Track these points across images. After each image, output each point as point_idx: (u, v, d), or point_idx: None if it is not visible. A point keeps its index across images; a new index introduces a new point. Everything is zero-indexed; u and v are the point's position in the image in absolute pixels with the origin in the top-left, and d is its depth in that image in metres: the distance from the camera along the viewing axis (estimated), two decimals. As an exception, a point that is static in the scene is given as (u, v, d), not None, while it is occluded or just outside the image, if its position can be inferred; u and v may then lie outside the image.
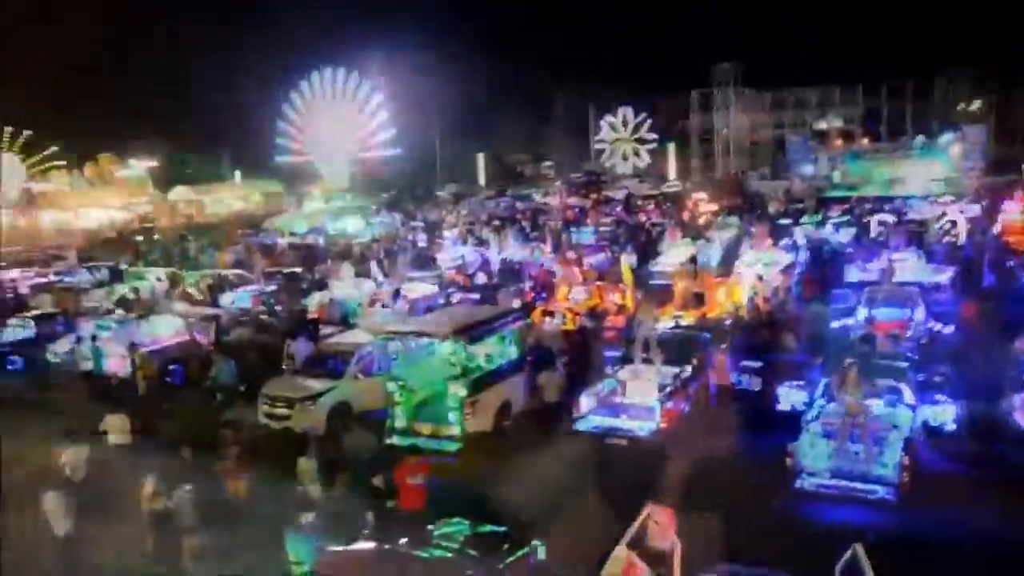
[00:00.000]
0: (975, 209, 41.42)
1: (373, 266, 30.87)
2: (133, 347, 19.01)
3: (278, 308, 25.20)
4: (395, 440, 15.03)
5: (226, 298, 27.54)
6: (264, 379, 17.33)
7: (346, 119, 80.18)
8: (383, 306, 24.04)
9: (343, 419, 16.12)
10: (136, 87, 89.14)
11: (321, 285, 28.38)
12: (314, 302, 25.32)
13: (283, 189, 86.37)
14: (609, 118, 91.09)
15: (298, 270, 33.41)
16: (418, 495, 11.07)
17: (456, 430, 14.89)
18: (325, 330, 21.82)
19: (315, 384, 16.55)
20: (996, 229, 34.46)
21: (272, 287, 28.79)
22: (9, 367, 22.47)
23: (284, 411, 16.05)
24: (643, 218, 48.16)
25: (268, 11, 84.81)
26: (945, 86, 76.92)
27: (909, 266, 24.99)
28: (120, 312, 24.82)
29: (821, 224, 37.18)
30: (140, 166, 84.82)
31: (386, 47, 74.84)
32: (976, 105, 78.01)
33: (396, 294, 24.77)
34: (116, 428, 14.51)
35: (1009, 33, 71.07)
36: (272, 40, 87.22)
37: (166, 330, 22.02)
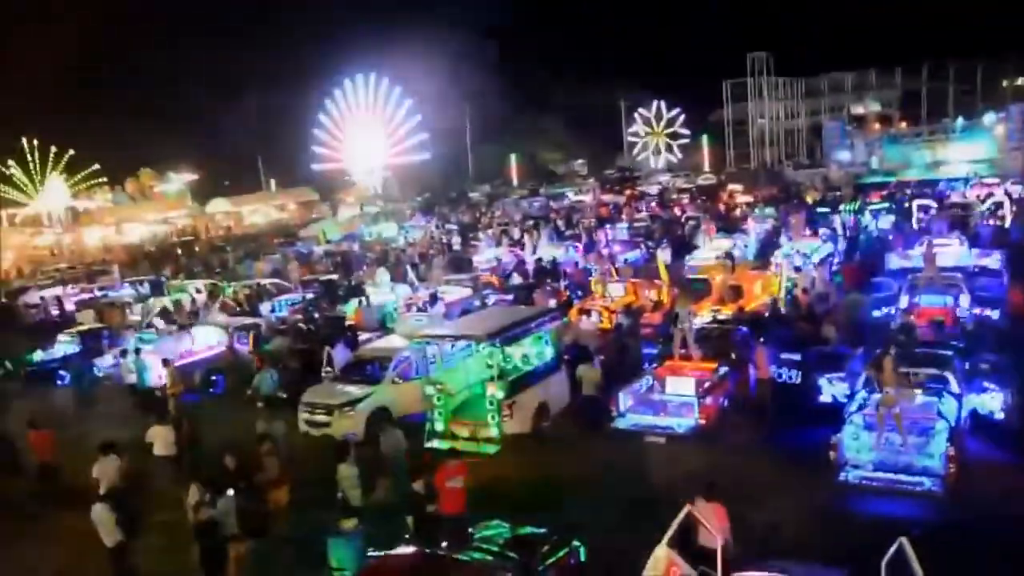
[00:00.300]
0: (1021, 190, 40.49)
1: (408, 271, 31.10)
2: (166, 362, 19.35)
3: (316, 316, 25.48)
4: (434, 444, 15.12)
5: (265, 307, 27.94)
6: (304, 387, 17.53)
7: (377, 125, 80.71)
8: (419, 310, 24.19)
9: (382, 424, 16.32)
10: (173, 102, 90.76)
11: (358, 291, 28.65)
12: (351, 308, 25.61)
13: (318, 197, 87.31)
14: (641, 112, 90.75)
15: (334, 277, 33.78)
16: (458, 498, 11.11)
17: (494, 432, 14.93)
18: (363, 336, 22.05)
19: (354, 390, 16.71)
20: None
21: (309, 295, 29.13)
22: (58, 382, 23.05)
23: (324, 418, 16.24)
24: (678, 212, 47.80)
25: (298, 21, 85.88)
26: (987, 64, 75.09)
27: (952, 251, 24.52)
28: (162, 325, 25.32)
29: (859, 212, 36.57)
30: (179, 180, 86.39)
31: (415, 51, 75.10)
32: (1020, 82, 76.09)
33: (432, 298, 24.91)
34: (160, 440, 14.81)
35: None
36: (304, 49, 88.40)
37: (206, 341, 22.45)
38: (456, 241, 43.23)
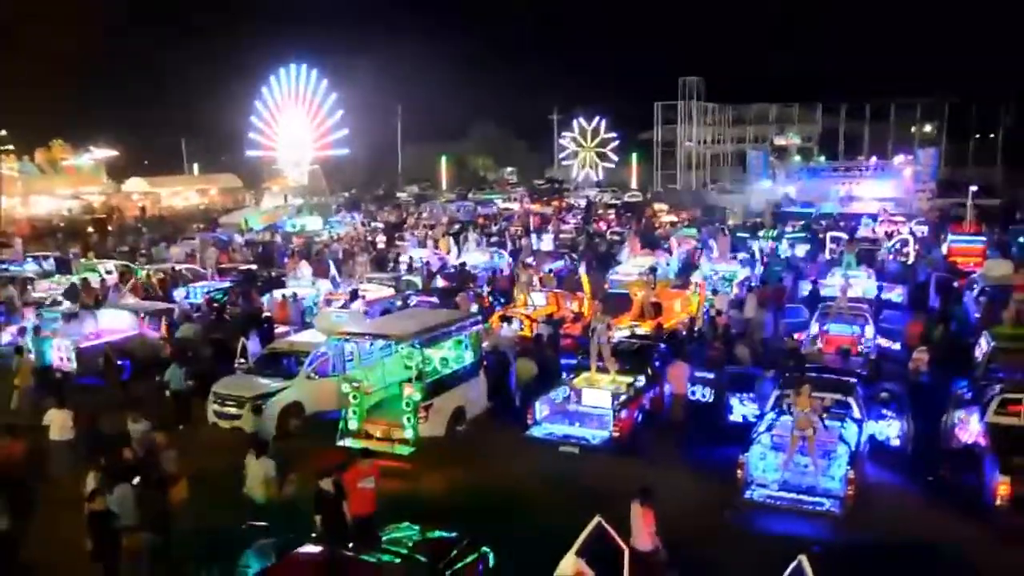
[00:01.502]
0: (924, 230, 42.46)
1: (331, 266, 30.58)
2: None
3: (232, 305, 24.80)
4: (347, 442, 14.87)
5: (179, 293, 27.05)
6: (215, 377, 17.03)
7: (307, 117, 79.37)
8: (340, 307, 23.79)
9: (294, 420, 15.98)
10: (96, 76, 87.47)
11: (277, 283, 28.03)
12: (270, 299, 25.03)
13: (241, 185, 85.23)
14: (573, 126, 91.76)
15: (254, 267, 32.98)
16: (368, 499, 10.95)
17: (409, 434, 14.78)
18: (279, 329, 21.57)
19: (267, 383, 16.32)
20: (943, 250, 35.30)
21: (226, 284, 28.34)
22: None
23: (235, 410, 15.80)
24: (603, 227, 48.44)
25: (237, 5, 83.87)
26: (900, 108, 78.74)
27: (860, 283, 25.46)
28: (67, 304, 24.25)
29: (777, 239, 37.68)
30: (94, 155, 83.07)
31: (351, 46, 74.42)
32: (928, 128, 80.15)
33: (353, 295, 24.54)
34: (57, 424, 14.16)
35: (960, 62, 73.35)
36: (240, 35, 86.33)
37: (115, 324, 21.57)
38: (381, 240, 42.77)
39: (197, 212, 70.69)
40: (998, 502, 11.76)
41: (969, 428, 14.24)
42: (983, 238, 35.81)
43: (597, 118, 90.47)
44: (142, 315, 22.09)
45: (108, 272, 29.98)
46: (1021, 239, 37.28)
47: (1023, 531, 11.42)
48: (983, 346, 18.08)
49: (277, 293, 25.67)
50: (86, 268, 30.85)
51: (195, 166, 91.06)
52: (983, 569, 10.85)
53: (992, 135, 78.07)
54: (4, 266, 33.48)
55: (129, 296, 25.80)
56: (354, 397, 15.22)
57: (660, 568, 9.54)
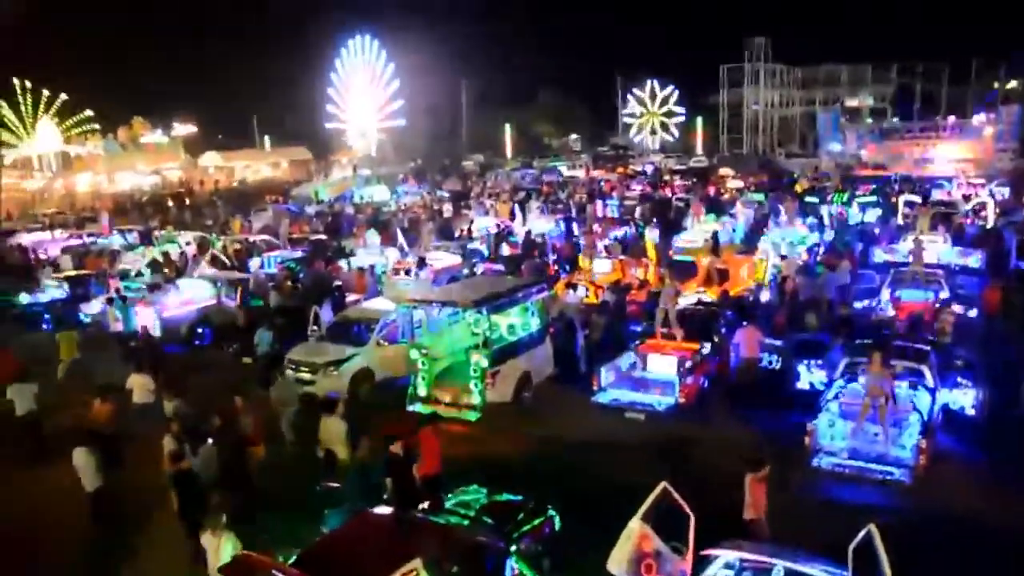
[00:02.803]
0: (1006, 191, 40.70)
1: (398, 235, 30.96)
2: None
3: (307, 274, 25.34)
4: (416, 407, 15.13)
5: (254, 263, 27.75)
6: (290, 344, 17.47)
7: (374, 89, 79.96)
8: (407, 274, 24.10)
9: (366, 384, 16.32)
10: (170, 52, 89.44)
11: (347, 253, 28.49)
12: (342, 268, 25.48)
13: (311, 157, 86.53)
14: (636, 92, 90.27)
15: (324, 237, 33.56)
16: (437, 462, 11.14)
17: (477, 399, 14.95)
18: (350, 298, 21.96)
19: (339, 350, 16.66)
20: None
21: (299, 253, 28.94)
22: (44, 326, 22.85)
23: (308, 376, 16.20)
24: (668, 193, 47.75)
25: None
26: (980, 66, 75.13)
27: (936, 248, 24.64)
28: (150, 275, 25.11)
29: (848, 203, 36.63)
30: (173, 131, 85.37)
31: (415, 19, 74.38)
32: (1012, 84, 76.24)
33: (421, 263, 24.81)
34: (140, 387, 14.75)
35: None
36: (305, 8, 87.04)
37: (194, 294, 22.29)
38: (447, 208, 43.02)
39: (270, 184, 72.12)
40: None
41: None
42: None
43: (661, 82, 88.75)
44: (219, 285, 22.77)
45: (187, 244, 30.90)
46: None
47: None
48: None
49: (348, 262, 26.11)
50: (167, 240, 31.88)
51: (267, 139, 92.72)
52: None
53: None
54: (92, 239, 34.82)
55: (207, 267, 26.57)
56: (423, 363, 15.44)
57: (758, 538, 9.49)
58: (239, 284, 23.32)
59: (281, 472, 12.21)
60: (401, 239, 30.35)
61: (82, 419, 13.19)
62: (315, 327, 18.38)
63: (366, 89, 79.90)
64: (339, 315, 18.94)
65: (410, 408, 15.18)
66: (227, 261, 28.48)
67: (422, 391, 15.47)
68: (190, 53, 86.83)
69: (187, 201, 58.10)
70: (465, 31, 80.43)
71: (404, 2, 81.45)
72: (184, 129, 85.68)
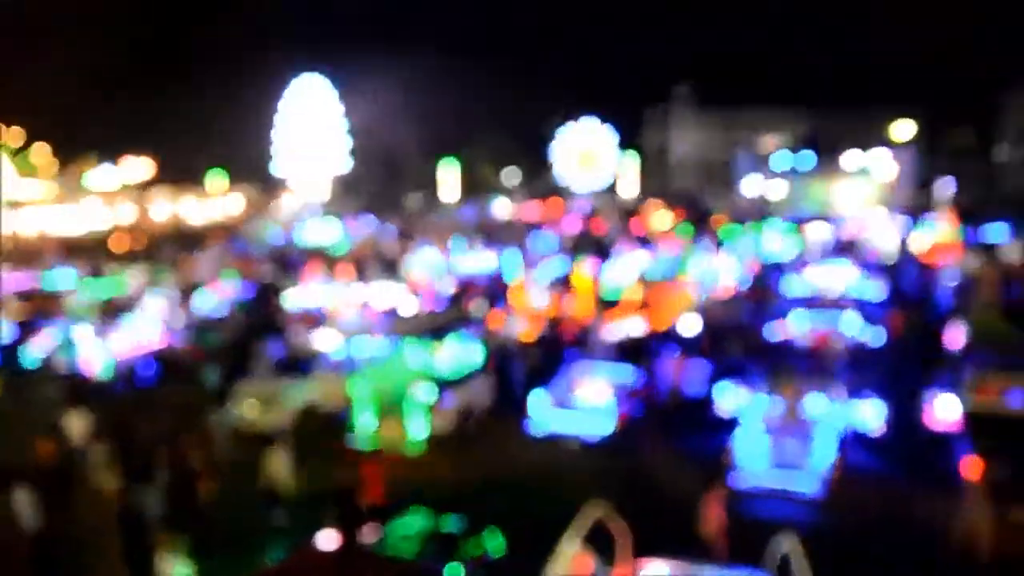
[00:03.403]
0: (903, 225, 42.44)
1: (345, 271, 30.68)
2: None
3: (253, 311, 24.93)
4: (361, 439, 14.96)
5: (202, 301, 27.17)
6: (237, 380, 17.15)
7: (321, 129, 79.54)
8: (353, 311, 23.89)
9: (310, 417, 16.09)
10: (120, 90, 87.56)
11: (296, 290, 28.12)
12: (287, 305, 25.14)
13: (260, 196, 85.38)
14: (570, 130, 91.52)
15: (272, 275, 33.08)
16: (381, 492, 11.04)
17: (419, 430, 14.87)
18: (296, 333, 21.67)
19: (284, 384, 16.41)
20: (920, 245, 35.29)
21: (247, 291, 28.46)
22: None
23: (254, 411, 15.88)
24: (601, 228, 48.50)
25: (246, 21, 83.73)
26: (877, 110, 78.62)
27: (844, 277, 25.50)
28: (98, 314, 24.39)
29: (765, 237, 37.71)
30: (123, 169, 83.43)
31: (360, 60, 74.35)
32: (905, 126, 79.91)
33: (365, 299, 24.65)
34: (80, 428, 14.26)
35: (937, 59, 73.35)
36: (253, 51, 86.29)
37: (143, 332, 21.72)
38: (391, 246, 42.87)
39: (219, 223, 70.91)
40: (971, 481, 11.78)
41: (945, 412, 14.29)
42: (957, 232, 35.83)
43: (594, 121, 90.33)
44: (168, 323, 22.25)
45: (136, 282, 30.11)
46: (996, 232, 37.28)
47: (999, 512, 11.45)
48: (958, 334, 18.11)
49: (296, 299, 25.78)
50: (114, 280, 31.02)
51: (216, 178, 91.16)
52: (958, 545, 10.87)
53: (965, 133, 77.90)
54: (38, 276, 33.66)
55: (156, 305, 25.90)
56: (367, 395, 15.31)
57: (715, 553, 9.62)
58: (187, 322, 22.81)
59: (227, 506, 11.91)
60: (349, 276, 30.11)
61: (18, 460, 12.67)
62: (261, 362, 18.08)
63: (315, 128, 79.43)
64: (285, 350, 18.67)
65: (354, 440, 15.01)
66: (175, 299, 27.82)
67: (366, 422, 15.31)
68: (137, 89, 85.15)
69: (135, 238, 56.69)
70: (405, 69, 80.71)
71: (349, 44, 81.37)
72: (132, 167, 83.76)
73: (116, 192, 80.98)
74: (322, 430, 15.88)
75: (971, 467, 11.70)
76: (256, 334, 20.68)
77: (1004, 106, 73.07)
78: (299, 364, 17.38)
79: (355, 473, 10.99)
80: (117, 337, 21.29)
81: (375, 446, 12.80)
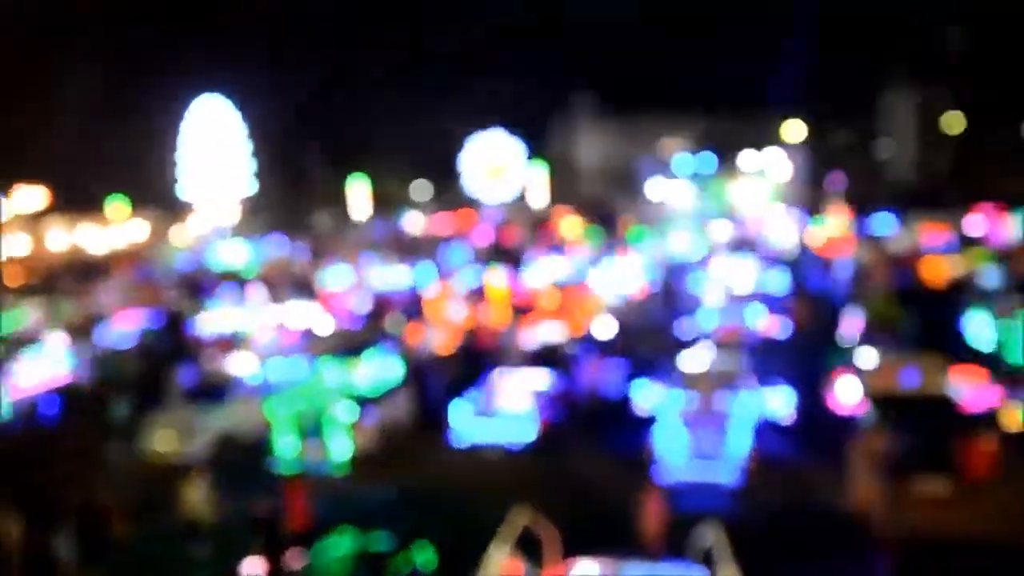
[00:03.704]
0: (800, 220, 44.31)
1: (257, 293, 29.89)
2: None
3: (162, 339, 23.99)
4: (281, 464, 14.56)
5: (108, 331, 25.97)
6: (149, 412, 16.44)
7: (225, 149, 77.40)
8: (268, 333, 23.28)
9: (228, 445, 15.57)
10: (14, 114, 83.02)
11: (207, 315, 27.19)
12: (198, 331, 24.27)
13: (166, 219, 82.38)
14: (478, 142, 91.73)
15: (182, 301, 31.93)
16: (305, 515, 10.76)
17: (342, 450, 14.57)
18: (210, 358, 20.95)
19: (200, 413, 15.83)
20: (816, 238, 36.92)
21: (155, 319, 27.36)
22: None
23: (169, 442, 15.25)
24: (512, 238, 48.81)
25: (141, 43, 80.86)
26: (769, 110, 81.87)
27: (747, 273, 26.38)
28: (-6, 352, 22.99)
29: (672, 239, 38.71)
30: (14, 199, 79.04)
31: (261, 77, 72.79)
32: (796, 126, 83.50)
33: (280, 321, 24.06)
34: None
35: (825, 60, 77.11)
36: (151, 73, 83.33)
37: (44, 368, 20.59)
38: (304, 265, 42.03)
39: (124, 250, 68.06)
40: (876, 459, 12.33)
41: (848, 396, 14.95)
42: (849, 224, 37.63)
43: (501, 132, 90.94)
44: (72, 355, 21.18)
45: (36, 314, 28.55)
46: (883, 223, 39.33)
47: (897, 484, 12.03)
48: (855, 320, 18.97)
49: (208, 324, 24.94)
50: (12, 312, 29.31)
51: (117, 203, 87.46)
52: (867, 521, 11.35)
53: (849, 131, 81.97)
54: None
55: (57, 339, 24.61)
56: (286, 419, 14.91)
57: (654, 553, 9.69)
58: (92, 354, 21.75)
59: (146, 542, 11.39)
60: (262, 298, 29.34)
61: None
62: (174, 392, 17.40)
63: (218, 150, 77.23)
64: (199, 378, 18.00)
65: (275, 465, 14.59)
66: (78, 331, 26.51)
67: (287, 446, 14.92)
68: (32, 115, 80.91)
69: (31, 272, 53.77)
70: (312, 88, 79.39)
71: (248, 62, 79.51)
72: (24, 196, 79.45)
73: (8, 223, 76.67)
74: (241, 457, 15.42)
75: (864, 445, 12.19)
76: (167, 363, 19.91)
77: (884, 105, 77.24)
78: (214, 391, 16.76)
79: (278, 498, 10.67)
80: (16, 374, 20.13)
81: (297, 469, 12.47)
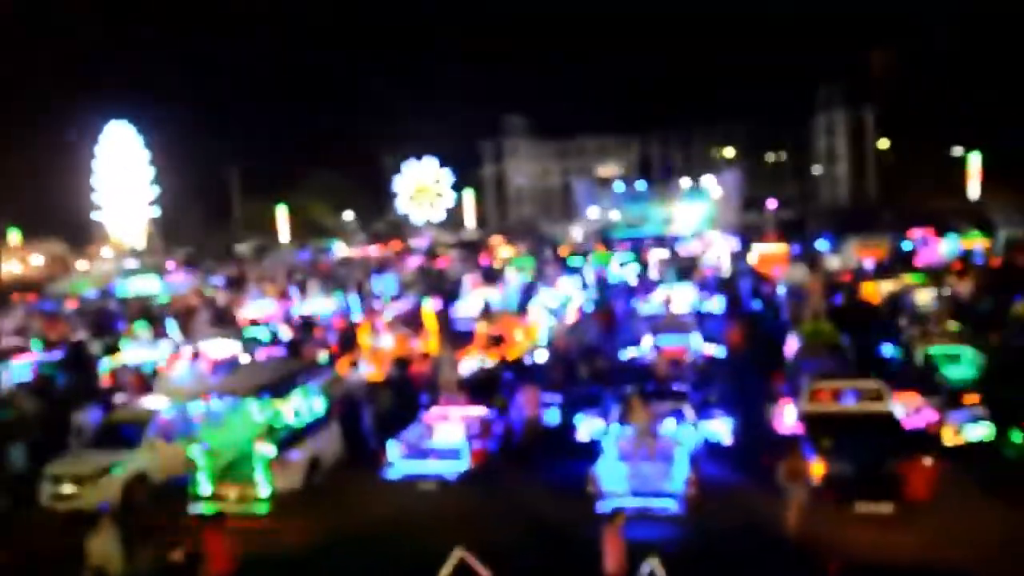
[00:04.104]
0: (735, 243, 45.47)
1: (170, 326, 29.01)
2: None
3: (64, 378, 22.99)
4: (200, 508, 14.04)
5: (3, 370, 24.77)
6: (49, 458, 15.67)
7: (134, 175, 75.39)
8: (182, 368, 22.56)
9: (140, 490, 14.97)
10: None
11: (113, 350, 26.22)
12: (105, 369, 23.35)
13: (68, 250, 79.48)
14: (407, 169, 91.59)
15: (87, 335, 30.73)
16: (226, 561, 10.38)
17: (264, 491, 14.15)
18: (119, 398, 20.17)
19: (107, 457, 15.17)
20: (752, 260, 37.92)
21: (57, 355, 26.23)
22: None
23: (73, 490, 14.56)
24: (444, 265, 48.72)
25: (45, 60, 78.40)
26: (703, 135, 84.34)
27: (684, 297, 26.86)
28: None
29: (607, 264, 39.18)
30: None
31: (177, 100, 71.45)
32: (729, 151, 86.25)
33: (196, 354, 23.36)
34: None
35: (756, 85, 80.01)
36: (57, 94, 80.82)
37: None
38: (222, 295, 41.02)
39: (21, 282, 65.27)
40: (816, 482, 12.62)
41: (787, 418, 15.27)
42: (784, 247, 38.78)
43: (427, 159, 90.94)
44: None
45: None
46: (817, 245, 40.67)
47: (839, 506, 12.34)
48: (792, 343, 19.47)
49: (117, 358, 24.04)
50: None
51: (14, 233, 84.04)
52: (811, 544, 11.57)
53: (782, 154, 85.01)
54: None
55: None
56: (203, 459, 14.42)
57: None
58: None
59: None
60: (174, 331, 28.48)
61: None
62: (78, 435, 16.66)
63: (126, 177, 75.14)
64: (105, 418, 17.27)
65: (193, 509, 14.07)
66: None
67: (205, 489, 14.41)
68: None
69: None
70: (230, 114, 78.17)
71: (162, 84, 77.86)
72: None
73: None
74: (155, 501, 14.84)
75: (788, 465, 12.44)
76: (71, 402, 19.08)
77: (816, 129, 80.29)
78: (123, 431, 16.10)
79: (196, 544, 10.27)
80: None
81: (217, 511, 12.01)
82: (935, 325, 19.41)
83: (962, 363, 18.06)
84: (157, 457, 15.46)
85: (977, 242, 34.23)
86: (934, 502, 11.90)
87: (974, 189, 66.66)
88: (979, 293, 25.41)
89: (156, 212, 76.36)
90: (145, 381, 22.18)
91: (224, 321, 31.89)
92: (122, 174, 74.83)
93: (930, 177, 76.43)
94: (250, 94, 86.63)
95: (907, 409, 15.19)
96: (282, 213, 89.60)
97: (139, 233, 76.72)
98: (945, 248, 34.98)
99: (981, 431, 14.29)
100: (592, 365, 20.28)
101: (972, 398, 14.79)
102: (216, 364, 22.73)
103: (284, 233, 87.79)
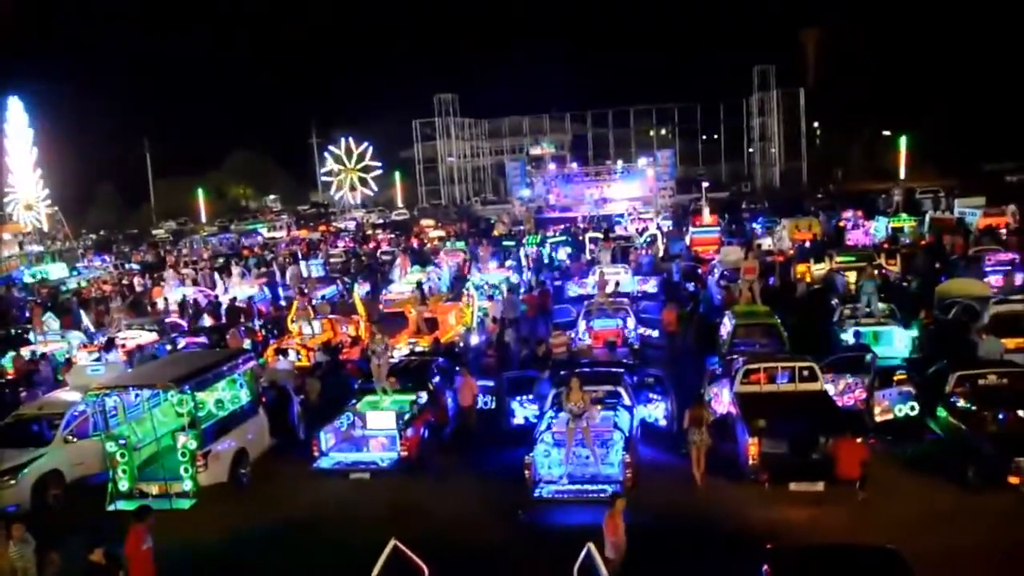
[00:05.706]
0: (669, 224, 46.18)
1: (82, 315, 28.06)
2: None
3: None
4: (119, 505, 13.69)
5: None
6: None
7: (31, 158, 72.10)
8: (96, 359, 21.86)
9: (53, 489, 14.51)
10: None
11: (18, 341, 25.22)
12: (9, 361, 22.46)
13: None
14: (332, 149, 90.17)
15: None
16: (147, 561, 10.16)
17: (188, 486, 13.86)
18: (25, 390, 19.45)
19: (15, 455, 14.63)
20: (687, 241, 38.60)
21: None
22: None
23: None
24: (373, 247, 48.25)
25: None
26: (637, 115, 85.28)
27: (618, 279, 27.19)
28: None
29: (541, 244, 39.36)
30: None
31: (84, 79, 68.77)
32: (663, 132, 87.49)
33: (110, 344, 22.65)
34: None
35: (695, 66, 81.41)
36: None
37: None
38: (138, 281, 39.83)
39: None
40: (750, 461, 13.01)
41: (722, 399, 15.66)
42: (718, 228, 39.56)
43: (356, 139, 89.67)
44: None
45: None
46: (751, 226, 41.64)
47: (773, 485, 12.75)
48: (726, 325, 19.93)
49: (22, 349, 23.15)
50: None
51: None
52: (747, 523, 11.93)
53: (716, 136, 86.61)
54: None
55: None
56: (122, 455, 14.04)
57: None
58: None
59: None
60: (85, 319, 27.56)
61: None
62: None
63: (26, 159, 71.92)
64: (12, 414, 16.63)
65: (112, 507, 13.70)
66: None
67: (124, 486, 14.04)
68: None
69: None
70: (143, 92, 75.77)
71: (70, 61, 74.98)
72: None
73: None
74: (71, 502, 14.40)
75: (699, 416, 13.59)
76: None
77: (750, 111, 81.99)
78: (34, 427, 15.56)
79: (115, 543, 10.01)
80: None
81: (139, 508, 11.71)
82: (864, 304, 20.11)
83: (891, 342, 18.80)
84: (71, 454, 14.99)
85: (905, 224, 35.54)
86: (864, 479, 12.37)
87: (902, 171, 69.08)
88: (907, 273, 26.39)
89: (54, 194, 73.10)
90: (53, 372, 21.47)
91: (142, 308, 31.03)
92: (19, 155, 71.52)
93: (860, 158, 79.05)
94: (168, 72, 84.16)
95: (838, 388, 15.74)
96: (202, 195, 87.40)
97: (39, 216, 73.58)
98: (874, 229, 36.19)
99: (908, 409, 14.89)
100: (529, 347, 20.41)
101: (901, 376, 15.38)
102: (134, 353, 22.13)
103: (203, 215, 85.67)
